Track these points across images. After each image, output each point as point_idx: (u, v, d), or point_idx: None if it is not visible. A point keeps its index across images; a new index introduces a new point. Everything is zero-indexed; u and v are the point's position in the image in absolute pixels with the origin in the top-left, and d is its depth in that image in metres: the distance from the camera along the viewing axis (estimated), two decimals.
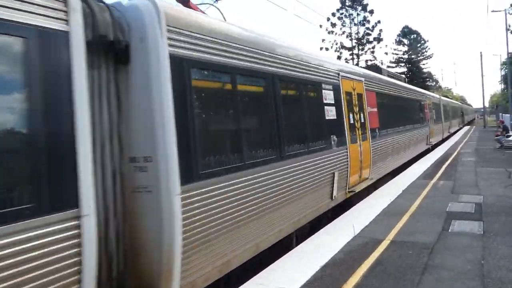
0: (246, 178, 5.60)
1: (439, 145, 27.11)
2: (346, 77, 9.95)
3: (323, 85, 8.47)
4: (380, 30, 68.49)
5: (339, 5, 68.86)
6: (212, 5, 6.85)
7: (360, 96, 10.88)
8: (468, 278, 5.37)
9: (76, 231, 3.55)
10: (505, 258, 6.02)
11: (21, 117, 3.35)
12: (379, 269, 5.82)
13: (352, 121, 9.92)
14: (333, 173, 8.40)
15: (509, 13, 37.88)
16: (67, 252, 3.49)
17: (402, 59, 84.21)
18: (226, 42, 5.43)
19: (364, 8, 68.33)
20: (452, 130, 38.34)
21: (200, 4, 6.64)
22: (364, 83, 11.44)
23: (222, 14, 6.81)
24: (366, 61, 68.46)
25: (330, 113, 8.67)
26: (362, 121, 10.75)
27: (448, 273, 5.57)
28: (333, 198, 8.49)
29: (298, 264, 6.06)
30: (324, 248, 6.72)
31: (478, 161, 17.80)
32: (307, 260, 6.22)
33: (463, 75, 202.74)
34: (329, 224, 8.18)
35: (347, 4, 68.67)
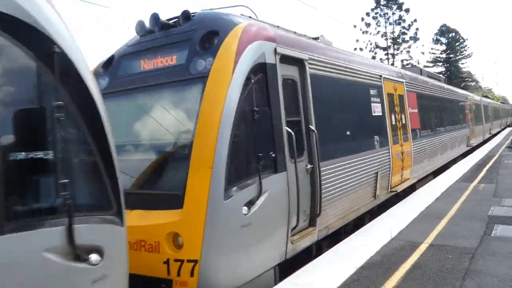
0: None
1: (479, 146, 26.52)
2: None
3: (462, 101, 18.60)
4: (417, 29, 67.06)
5: (373, 5, 67.87)
6: (244, 6, 6.97)
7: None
8: None
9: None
10: None
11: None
12: (417, 272, 5.68)
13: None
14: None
15: None
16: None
17: (439, 59, 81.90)
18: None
19: (400, 6, 66.85)
20: (493, 132, 37.62)
21: (232, 6, 6.75)
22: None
23: (254, 13, 6.94)
24: (402, 60, 67.07)
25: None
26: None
27: (491, 279, 5.36)
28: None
29: (334, 265, 6.00)
30: (360, 250, 6.62)
31: None
32: (343, 261, 6.15)
33: (505, 74, 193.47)
34: (364, 226, 8.06)
35: (381, 3, 67.41)
